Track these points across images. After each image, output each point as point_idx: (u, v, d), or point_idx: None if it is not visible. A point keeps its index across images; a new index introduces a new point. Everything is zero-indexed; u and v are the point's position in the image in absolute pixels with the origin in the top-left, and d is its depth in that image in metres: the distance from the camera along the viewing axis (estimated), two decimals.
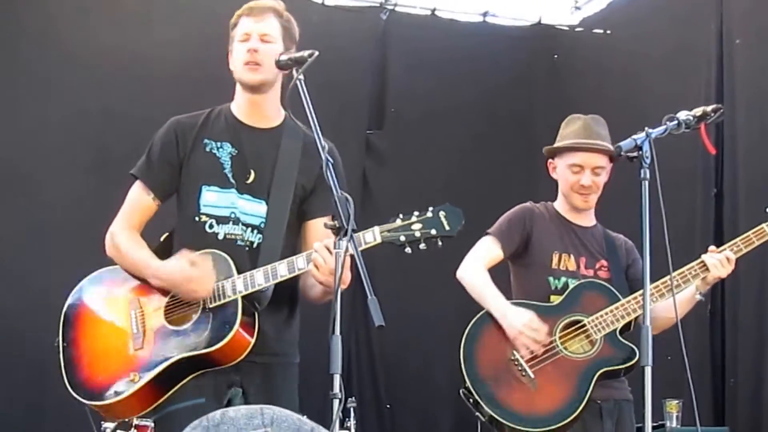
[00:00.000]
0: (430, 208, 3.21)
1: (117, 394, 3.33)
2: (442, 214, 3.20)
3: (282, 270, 3.28)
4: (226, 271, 3.33)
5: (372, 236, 3.20)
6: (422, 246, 3.19)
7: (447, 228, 3.19)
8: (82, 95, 6.22)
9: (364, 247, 3.18)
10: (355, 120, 6.77)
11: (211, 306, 3.32)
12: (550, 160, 4.31)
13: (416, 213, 3.21)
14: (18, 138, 6.10)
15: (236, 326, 3.26)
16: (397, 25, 7.04)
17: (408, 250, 3.19)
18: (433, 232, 3.18)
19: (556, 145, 4.28)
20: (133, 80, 6.32)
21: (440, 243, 3.22)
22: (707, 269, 4.00)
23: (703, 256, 4.02)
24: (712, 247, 4.07)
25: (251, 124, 3.53)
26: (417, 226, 3.19)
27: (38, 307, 5.62)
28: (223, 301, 3.30)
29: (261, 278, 3.29)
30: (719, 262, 3.99)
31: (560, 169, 4.26)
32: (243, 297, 3.30)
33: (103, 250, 3.53)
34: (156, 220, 3.58)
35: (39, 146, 6.13)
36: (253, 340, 3.30)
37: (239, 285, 3.29)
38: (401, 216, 3.21)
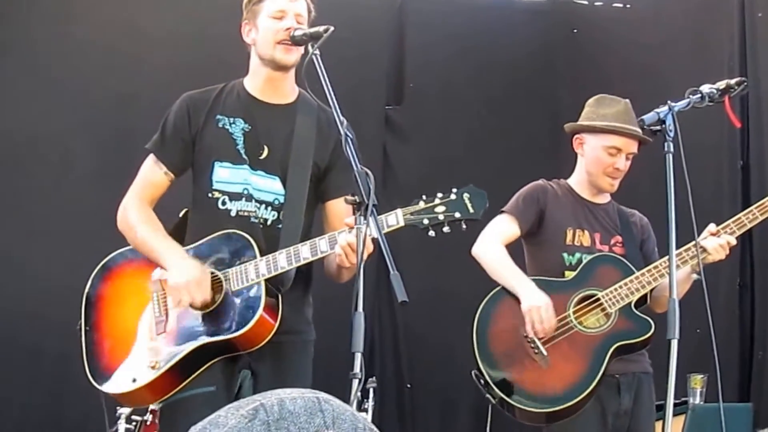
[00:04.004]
0: (454, 190, 3.16)
1: (135, 381, 3.30)
2: (466, 196, 3.15)
3: (305, 252, 3.24)
4: (247, 254, 3.29)
5: (395, 219, 3.15)
6: (446, 229, 3.14)
7: (471, 211, 3.14)
8: (100, 77, 6.20)
9: (387, 230, 3.13)
10: (373, 95, 6.71)
11: (234, 289, 3.28)
12: (577, 136, 4.24)
13: (439, 195, 3.16)
14: (35, 121, 6.09)
15: (260, 310, 3.22)
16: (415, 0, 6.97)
17: (431, 233, 3.15)
18: (457, 215, 3.14)
19: (597, 123, 4.17)
20: (153, 61, 6.29)
21: (465, 226, 3.17)
22: (707, 252, 3.90)
23: (703, 242, 3.89)
24: (711, 226, 3.97)
25: (265, 99, 3.50)
26: (440, 209, 3.14)
27: (60, 291, 5.59)
28: (246, 284, 3.26)
29: (284, 261, 3.25)
30: (720, 246, 3.90)
31: (593, 147, 4.17)
32: (266, 279, 3.26)
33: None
34: (172, 196, 3.56)
35: (57, 129, 6.12)
36: (276, 324, 3.26)
37: (262, 268, 3.25)
38: (424, 198, 3.16)
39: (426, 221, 3.13)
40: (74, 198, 6.07)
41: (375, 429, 1.22)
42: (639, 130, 4.07)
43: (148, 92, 6.09)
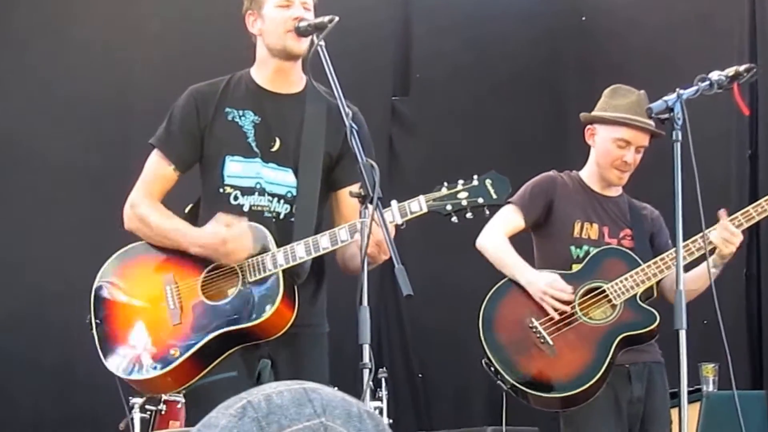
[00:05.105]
0: (476, 176, 3.15)
1: (156, 368, 3.29)
2: (488, 182, 3.14)
3: (324, 242, 3.22)
4: (264, 244, 3.27)
5: (418, 206, 3.14)
6: (469, 215, 3.13)
7: (494, 196, 3.14)
8: (96, 75, 6.19)
9: (410, 216, 3.13)
10: (379, 86, 6.71)
11: (251, 280, 3.26)
12: (589, 126, 4.20)
13: (461, 181, 3.15)
14: (32, 120, 6.10)
15: (278, 300, 3.21)
16: None
17: (454, 219, 3.14)
18: (480, 200, 3.13)
19: (607, 114, 4.14)
20: (149, 59, 6.30)
21: (488, 212, 3.17)
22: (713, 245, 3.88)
23: (710, 235, 3.84)
24: (722, 212, 3.93)
25: (274, 90, 3.45)
26: (463, 195, 3.13)
27: (59, 291, 5.68)
28: (263, 275, 3.24)
29: (302, 251, 3.23)
30: (725, 240, 3.85)
31: (603, 139, 4.14)
32: (282, 270, 3.24)
33: (126, 232, 3.45)
34: (176, 192, 3.53)
35: (53, 129, 6.12)
36: (294, 314, 3.25)
37: (280, 258, 3.23)
38: (446, 184, 3.15)
39: (449, 207, 3.12)
40: (70, 198, 6.08)
41: (371, 411, 1.21)
42: (650, 123, 4.04)
43: (145, 90, 6.10)
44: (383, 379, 5.52)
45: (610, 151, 4.12)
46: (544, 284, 3.97)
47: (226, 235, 3.25)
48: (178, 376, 3.31)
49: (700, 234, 3.74)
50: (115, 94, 6.23)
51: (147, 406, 4.93)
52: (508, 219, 4.15)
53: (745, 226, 3.93)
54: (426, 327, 6.59)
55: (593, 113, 4.21)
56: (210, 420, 1.16)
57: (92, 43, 6.23)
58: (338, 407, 1.17)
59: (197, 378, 3.29)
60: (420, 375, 6.61)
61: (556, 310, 3.97)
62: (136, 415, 4.87)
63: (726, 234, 3.85)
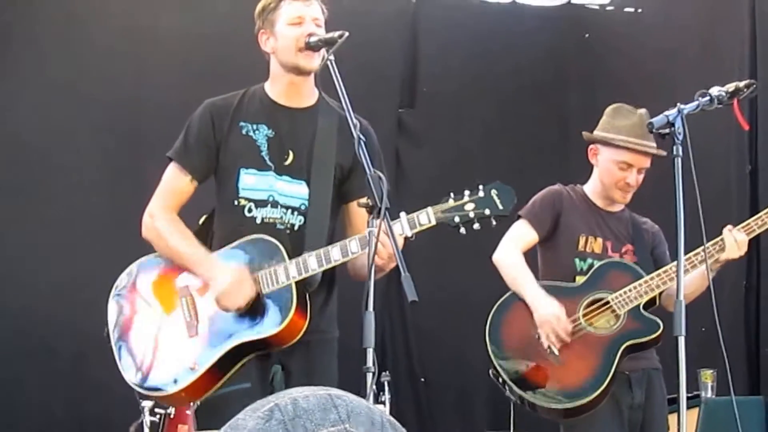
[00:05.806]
0: (481, 187, 3.19)
1: (176, 382, 3.33)
2: (494, 192, 3.19)
3: (335, 254, 3.27)
4: (276, 257, 3.32)
5: (426, 218, 3.19)
6: (476, 226, 3.17)
7: (500, 207, 3.18)
8: (109, 80, 6.24)
9: (418, 229, 3.18)
10: (386, 99, 6.76)
11: (265, 291, 3.30)
12: (592, 146, 4.27)
13: (467, 192, 3.19)
14: (46, 124, 6.14)
15: (292, 311, 3.25)
16: (428, 6, 7.02)
17: (462, 230, 3.18)
18: (487, 211, 3.17)
19: (609, 136, 4.21)
20: (161, 64, 6.35)
21: (494, 222, 3.21)
22: (723, 249, 3.97)
23: (724, 233, 3.99)
24: (729, 227, 4.03)
25: (287, 104, 3.51)
26: (470, 206, 3.18)
27: (72, 293, 5.74)
28: (276, 287, 3.29)
29: (314, 263, 3.28)
30: (736, 243, 3.97)
31: (605, 160, 4.22)
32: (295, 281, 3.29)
33: (139, 235, 3.50)
34: (192, 202, 3.57)
35: (67, 132, 6.17)
36: (306, 322, 3.30)
37: (292, 270, 3.28)
38: (453, 195, 3.19)
39: (457, 219, 3.17)
40: (84, 201, 6.12)
41: (393, 420, 1.26)
42: (652, 145, 4.11)
43: (157, 95, 6.14)
44: (386, 383, 5.57)
45: (612, 172, 4.19)
46: (551, 314, 4.02)
47: (228, 289, 3.29)
48: (196, 390, 3.34)
49: (702, 248, 3.80)
50: (127, 99, 6.26)
51: (156, 409, 4.97)
52: (523, 234, 4.22)
53: (758, 232, 4.02)
54: (430, 332, 6.62)
55: (595, 133, 4.27)
56: (237, 422, 1.20)
57: (105, 50, 6.23)
58: (362, 414, 1.21)
59: (214, 389, 3.33)
60: (423, 379, 6.65)
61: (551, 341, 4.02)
62: (145, 419, 4.91)
63: (741, 235, 3.97)
